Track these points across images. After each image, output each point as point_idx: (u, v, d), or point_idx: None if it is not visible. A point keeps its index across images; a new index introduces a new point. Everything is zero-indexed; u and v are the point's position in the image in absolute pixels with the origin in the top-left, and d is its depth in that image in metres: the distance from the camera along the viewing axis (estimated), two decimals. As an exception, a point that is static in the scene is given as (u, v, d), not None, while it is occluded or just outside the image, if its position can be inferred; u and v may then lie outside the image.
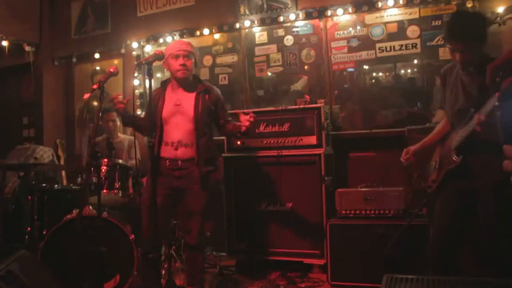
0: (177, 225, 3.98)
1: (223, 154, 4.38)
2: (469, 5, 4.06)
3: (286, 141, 4.18)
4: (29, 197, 4.07)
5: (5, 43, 5.69)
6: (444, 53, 4.19)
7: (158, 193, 3.17)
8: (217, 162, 3.52)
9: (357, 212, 3.78)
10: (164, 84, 3.50)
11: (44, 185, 4.29)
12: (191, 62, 3.34)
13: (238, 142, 4.39)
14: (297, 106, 4.22)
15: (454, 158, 2.72)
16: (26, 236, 4.03)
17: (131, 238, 3.57)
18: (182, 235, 3.57)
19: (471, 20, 2.71)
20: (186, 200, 3.33)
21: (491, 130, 2.38)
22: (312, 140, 4.12)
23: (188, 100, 3.35)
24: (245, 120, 3.21)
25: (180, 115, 3.33)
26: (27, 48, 6.02)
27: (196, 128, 3.31)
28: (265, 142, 4.27)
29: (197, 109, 3.32)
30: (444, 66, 3.04)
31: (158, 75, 5.28)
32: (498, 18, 4.01)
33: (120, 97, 3.41)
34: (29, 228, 4.02)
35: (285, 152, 4.14)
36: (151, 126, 3.34)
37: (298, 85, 4.84)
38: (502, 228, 2.61)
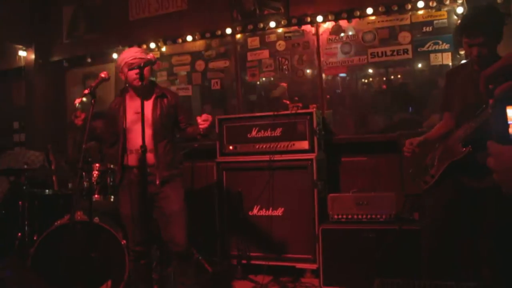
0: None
1: (215, 159, 4.39)
2: (459, 11, 4.11)
3: (278, 146, 4.19)
4: (20, 202, 4.05)
5: (-4, 47, 5.66)
6: (435, 58, 4.23)
7: (133, 204, 3.21)
8: (181, 165, 3.48)
9: (349, 216, 3.80)
10: (123, 93, 3.41)
11: (35, 190, 4.26)
12: (147, 69, 3.20)
13: (231, 147, 4.39)
14: (289, 111, 4.23)
15: (461, 149, 2.70)
16: (16, 242, 4.00)
17: (123, 243, 3.56)
18: (167, 244, 3.36)
19: (491, 15, 2.69)
20: (161, 205, 3.26)
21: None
22: (304, 145, 4.13)
23: (147, 106, 3.24)
24: (200, 121, 3.10)
25: (141, 122, 3.21)
26: (19, 53, 5.99)
27: (154, 132, 3.25)
28: (257, 147, 4.28)
29: (155, 113, 3.27)
30: (451, 68, 2.99)
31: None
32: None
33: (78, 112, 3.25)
34: (19, 234, 3.99)
35: (277, 157, 4.14)
36: (112, 136, 3.36)
37: (276, 92, 4.87)
38: (505, 231, 2.60)
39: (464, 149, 2.70)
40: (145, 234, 3.22)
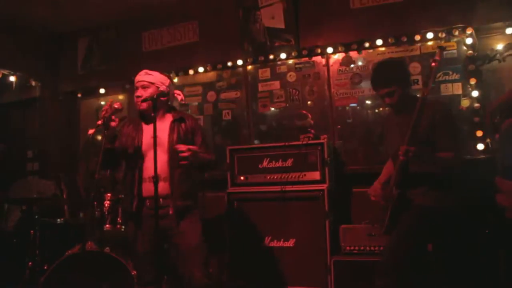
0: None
1: (226, 190, 4.39)
2: (468, 42, 4.14)
3: (290, 176, 4.18)
4: (31, 231, 4.06)
5: (12, 78, 5.77)
6: (446, 89, 4.24)
7: (143, 239, 3.04)
8: (197, 197, 3.26)
9: (362, 248, 3.77)
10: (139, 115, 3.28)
11: (46, 219, 4.28)
12: (150, 92, 3.12)
13: (242, 178, 4.39)
14: (300, 142, 4.24)
15: (393, 192, 2.95)
16: (27, 271, 4.00)
17: (133, 273, 3.53)
18: (185, 282, 3.09)
19: (391, 67, 3.10)
20: (177, 241, 3.05)
21: (419, 160, 2.81)
22: (316, 175, 4.12)
23: (162, 130, 3.10)
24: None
25: (157, 147, 2.96)
26: (34, 83, 6.10)
27: (170, 158, 3.06)
28: (268, 177, 4.27)
29: (171, 137, 3.10)
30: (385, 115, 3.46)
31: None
32: (498, 55, 4.09)
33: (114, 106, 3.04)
34: (30, 263, 4.00)
35: (288, 188, 4.13)
36: (121, 161, 3.24)
37: (306, 122, 4.77)
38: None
39: (394, 192, 2.96)
40: (154, 273, 3.03)
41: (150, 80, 3.18)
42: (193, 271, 3.01)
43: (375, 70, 3.17)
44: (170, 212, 3.04)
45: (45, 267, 3.88)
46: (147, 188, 3.02)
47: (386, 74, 3.04)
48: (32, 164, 6.43)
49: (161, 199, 2.99)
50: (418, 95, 3.03)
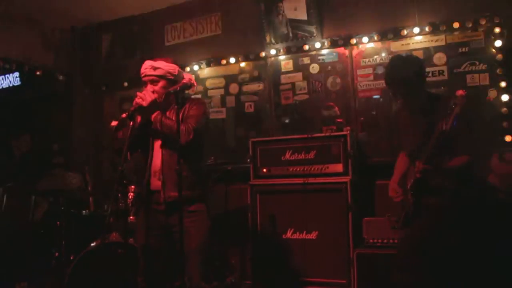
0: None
1: (249, 182, 4.39)
2: (496, 31, 4.04)
3: (312, 168, 4.16)
4: (58, 222, 4.14)
5: (38, 72, 5.87)
6: (472, 79, 4.15)
7: (150, 234, 2.94)
8: (202, 188, 3.02)
9: (385, 241, 3.74)
10: None
11: (72, 210, 4.35)
12: (160, 86, 2.96)
13: (264, 170, 4.39)
14: (323, 134, 4.21)
15: (409, 198, 2.92)
16: (54, 261, 4.08)
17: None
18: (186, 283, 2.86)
19: (404, 66, 2.89)
20: (177, 239, 2.76)
21: (432, 176, 2.76)
22: (339, 168, 4.09)
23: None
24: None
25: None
26: (59, 77, 6.19)
27: (161, 149, 2.93)
28: (291, 169, 4.27)
29: None
30: (397, 108, 3.40)
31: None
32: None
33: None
34: (57, 253, 4.07)
35: (311, 180, 4.12)
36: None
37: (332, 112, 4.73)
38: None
39: (410, 198, 2.92)
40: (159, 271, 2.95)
41: (158, 73, 2.98)
42: (189, 273, 2.84)
43: (388, 68, 2.99)
44: (162, 206, 2.88)
45: (71, 258, 3.95)
46: (154, 182, 2.95)
47: (398, 74, 2.86)
48: (58, 157, 6.54)
49: (161, 193, 2.89)
50: (431, 91, 3.03)
